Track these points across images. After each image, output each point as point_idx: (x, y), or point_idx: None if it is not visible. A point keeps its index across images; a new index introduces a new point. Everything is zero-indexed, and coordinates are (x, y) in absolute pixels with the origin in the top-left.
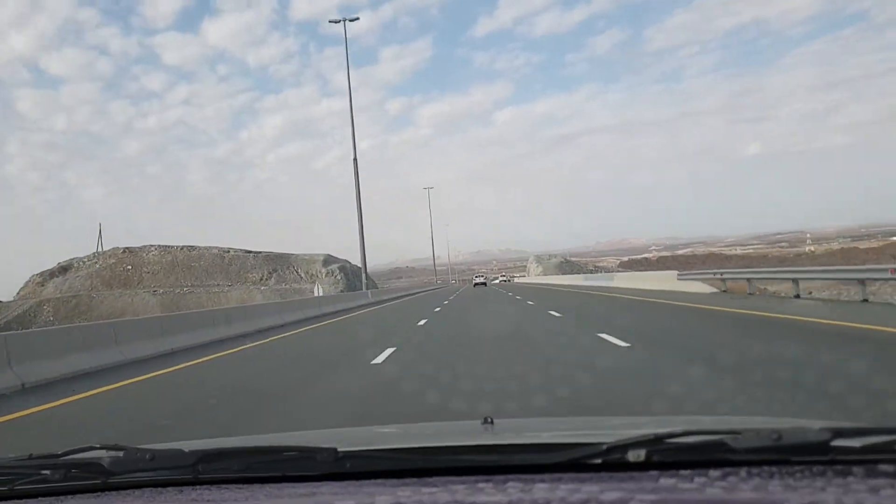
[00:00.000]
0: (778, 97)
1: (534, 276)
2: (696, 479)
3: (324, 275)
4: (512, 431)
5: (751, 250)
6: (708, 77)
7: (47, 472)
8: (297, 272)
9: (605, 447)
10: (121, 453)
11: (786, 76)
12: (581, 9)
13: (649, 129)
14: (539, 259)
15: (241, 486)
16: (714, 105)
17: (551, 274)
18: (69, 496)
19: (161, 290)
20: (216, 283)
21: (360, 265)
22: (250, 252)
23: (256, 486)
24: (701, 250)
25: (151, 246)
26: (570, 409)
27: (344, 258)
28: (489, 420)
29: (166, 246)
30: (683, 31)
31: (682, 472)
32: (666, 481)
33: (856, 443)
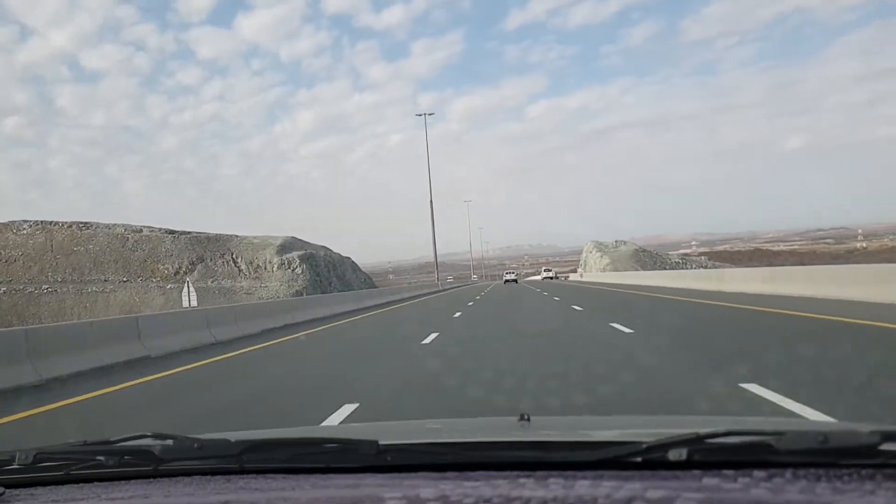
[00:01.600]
0: (821, 89)
1: (597, 272)
2: (741, 480)
3: (275, 266)
4: (549, 428)
5: (795, 247)
6: (747, 69)
7: (101, 458)
8: (234, 262)
9: (644, 446)
10: (170, 441)
11: (830, 67)
12: None
13: (685, 123)
14: (601, 247)
15: (286, 475)
16: (753, 98)
17: (625, 269)
18: (122, 482)
19: (3, 288)
20: (105, 276)
21: (345, 255)
22: (173, 232)
23: (302, 477)
24: (741, 246)
25: (24, 222)
26: None
27: (321, 244)
28: (526, 417)
29: (47, 222)
30: (721, 21)
31: (726, 472)
32: (709, 481)
33: None
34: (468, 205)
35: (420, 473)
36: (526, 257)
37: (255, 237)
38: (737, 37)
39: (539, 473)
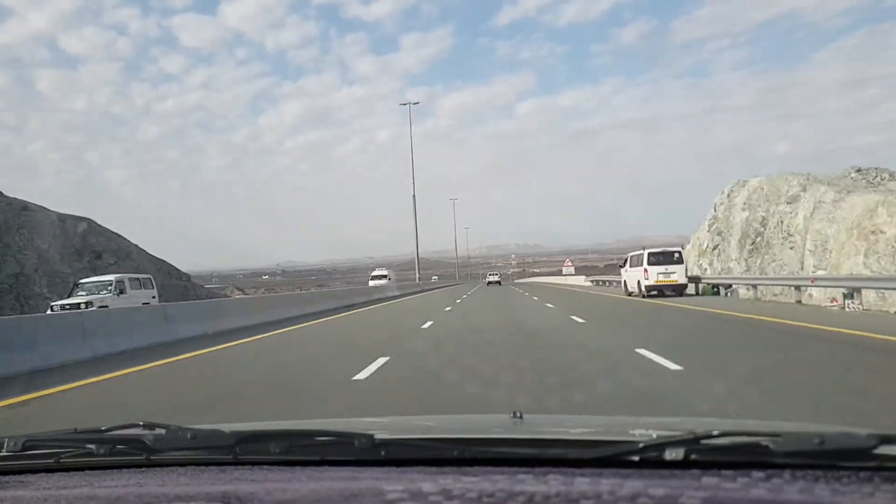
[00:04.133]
0: (809, 94)
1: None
2: (740, 480)
3: None
4: (543, 426)
5: None
6: (737, 72)
7: (92, 446)
8: None
9: (641, 445)
10: (162, 431)
11: (818, 72)
12: None
13: (673, 125)
14: (846, 182)
15: (281, 467)
16: (742, 101)
17: None
18: (113, 470)
19: None
20: None
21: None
22: None
23: (298, 469)
24: None
25: None
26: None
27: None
28: (518, 414)
29: None
30: (713, 22)
31: (724, 472)
32: (708, 480)
33: None
34: (454, 201)
35: (417, 468)
36: (513, 256)
37: None
38: (728, 39)
39: (537, 470)
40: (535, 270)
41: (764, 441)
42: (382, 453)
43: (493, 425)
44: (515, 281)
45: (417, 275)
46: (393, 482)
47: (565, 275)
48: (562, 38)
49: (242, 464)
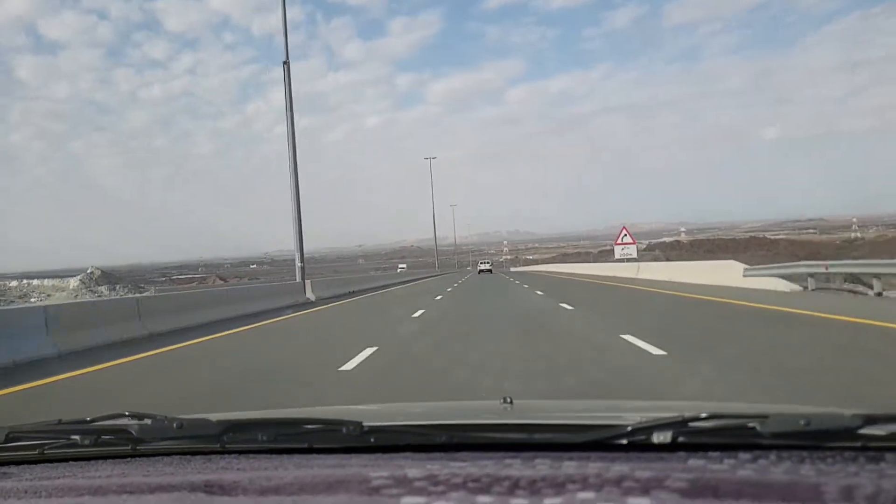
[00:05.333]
0: (800, 78)
1: None
2: (726, 461)
3: None
4: (533, 411)
5: (782, 236)
6: (728, 57)
7: (77, 437)
8: None
9: (629, 428)
10: (149, 421)
11: (809, 56)
12: None
13: (665, 109)
14: None
15: (268, 456)
16: (733, 86)
17: None
18: (98, 461)
19: None
20: None
21: None
22: None
23: (285, 457)
24: (723, 235)
25: None
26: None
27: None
28: (508, 400)
29: None
30: (704, 5)
31: (711, 453)
32: (695, 462)
33: (888, 430)
34: (431, 162)
35: (405, 454)
36: (504, 243)
37: None
38: (720, 22)
39: (525, 454)
40: (529, 257)
41: (751, 423)
42: (371, 440)
43: (482, 411)
44: (511, 270)
45: (299, 261)
46: (379, 469)
47: (620, 258)
48: (553, 22)
49: (229, 452)
